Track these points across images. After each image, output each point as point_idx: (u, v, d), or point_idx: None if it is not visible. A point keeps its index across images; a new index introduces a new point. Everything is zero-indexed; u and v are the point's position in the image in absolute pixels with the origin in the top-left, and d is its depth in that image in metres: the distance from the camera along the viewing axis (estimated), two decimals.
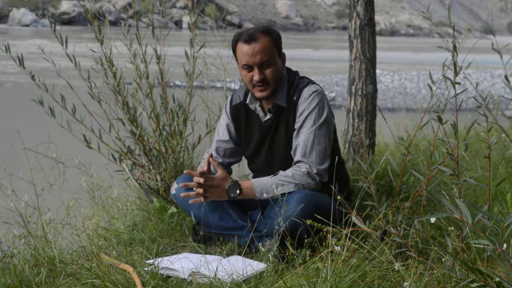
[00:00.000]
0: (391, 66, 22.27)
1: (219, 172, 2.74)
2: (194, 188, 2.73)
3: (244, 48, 2.78)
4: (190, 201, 2.74)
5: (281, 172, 2.76)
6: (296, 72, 2.96)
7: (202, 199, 2.72)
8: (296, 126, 2.84)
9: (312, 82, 2.90)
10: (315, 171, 2.75)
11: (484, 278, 1.85)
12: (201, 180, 2.69)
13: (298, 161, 2.79)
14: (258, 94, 2.83)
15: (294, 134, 2.84)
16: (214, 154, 3.04)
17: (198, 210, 2.84)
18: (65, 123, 3.46)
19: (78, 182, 4.21)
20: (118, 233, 3.07)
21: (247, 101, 2.95)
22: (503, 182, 3.32)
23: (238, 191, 2.73)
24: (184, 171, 2.72)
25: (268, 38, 2.78)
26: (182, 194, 2.75)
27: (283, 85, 2.87)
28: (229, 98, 3.07)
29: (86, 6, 3.52)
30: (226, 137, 3.03)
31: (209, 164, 2.78)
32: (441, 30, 2.77)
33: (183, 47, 3.59)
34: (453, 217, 1.82)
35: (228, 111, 3.04)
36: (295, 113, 2.85)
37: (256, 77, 2.78)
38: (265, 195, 2.73)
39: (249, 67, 2.79)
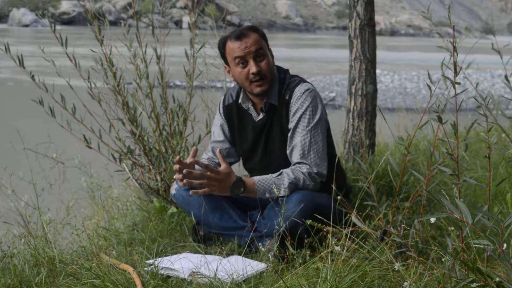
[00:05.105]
0: (391, 66, 22.27)
1: (224, 167, 2.69)
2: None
3: (236, 44, 2.79)
4: (191, 192, 2.67)
5: (284, 172, 2.74)
6: (287, 71, 2.95)
7: (205, 190, 2.65)
8: (291, 126, 2.82)
9: (304, 81, 2.89)
10: (315, 171, 2.75)
11: (484, 278, 1.85)
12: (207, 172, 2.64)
13: (298, 162, 2.78)
14: (257, 90, 2.81)
15: (289, 134, 2.83)
16: (210, 155, 3.02)
17: (198, 210, 2.84)
18: (65, 123, 3.46)
19: (78, 182, 4.21)
20: (118, 233, 3.07)
21: (240, 101, 2.94)
22: (503, 182, 3.32)
23: (242, 189, 2.70)
24: (184, 170, 2.64)
25: (256, 34, 2.82)
26: (185, 181, 2.63)
27: (274, 83, 2.86)
28: (222, 97, 3.06)
29: (86, 6, 3.52)
30: (221, 137, 3.02)
31: (193, 156, 2.75)
32: (441, 30, 2.77)
33: (183, 47, 3.59)
34: (453, 217, 1.82)
35: (221, 111, 3.02)
36: (288, 112, 2.83)
37: (253, 69, 2.77)
38: (267, 195, 2.72)
39: (243, 61, 2.79)
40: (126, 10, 52.70)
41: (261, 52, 2.79)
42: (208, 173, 2.65)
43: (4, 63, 18.79)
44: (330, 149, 2.91)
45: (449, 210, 1.81)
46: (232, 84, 3.58)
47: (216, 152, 3.01)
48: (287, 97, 2.84)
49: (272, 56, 2.89)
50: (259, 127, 2.91)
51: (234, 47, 2.79)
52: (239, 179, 2.69)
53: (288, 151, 2.83)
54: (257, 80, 2.79)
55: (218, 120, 3.03)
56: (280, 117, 2.86)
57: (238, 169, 3.65)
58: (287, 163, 2.83)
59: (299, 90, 2.82)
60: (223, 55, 2.89)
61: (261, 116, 2.90)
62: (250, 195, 2.73)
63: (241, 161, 3.14)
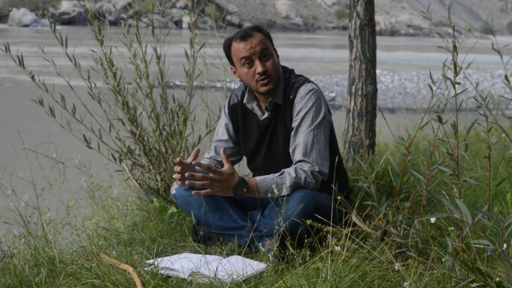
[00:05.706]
0: (391, 66, 22.28)
1: (227, 167, 2.69)
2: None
3: (241, 45, 2.81)
4: (193, 192, 2.66)
5: (285, 171, 2.74)
6: (292, 70, 2.96)
7: (207, 191, 2.65)
8: (294, 125, 2.83)
9: (308, 81, 2.90)
10: (317, 169, 2.75)
11: (484, 278, 1.85)
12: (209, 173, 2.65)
13: (299, 161, 2.79)
14: (263, 89, 2.82)
15: (292, 133, 2.84)
16: (213, 154, 3.04)
17: (198, 210, 2.84)
18: (65, 123, 3.46)
19: (78, 182, 4.21)
20: (118, 233, 3.07)
21: (244, 101, 2.95)
22: (503, 182, 3.32)
23: (245, 190, 2.69)
24: (186, 173, 2.64)
25: (261, 34, 2.84)
26: (187, 182, 2.65)
27: (280, 83, 2.88)
28: (228, 98, 3.08)
29: (86, 6, 3.52)
30: (225, 137, 3.03)
31: (195, 157, 2.75)
32: (441, 30, 2.77)
33: (183, 47, 3.59)
34: (453, 217, 1.82)
35: (226, 111, 3.05)
36: (292, 111, 2.85)
37: (259, 68, 2.78)
38: (269, 195, 2.72)
39: (249, 61, 2.80)
40: (126, 10, 52.73)
41: (267, 52, 2.81)
42: (210, 174, 2.65)
43: (4, 63, 18.80)
44: (333, 150, 2.92)
45: (449, 210, 1.81)
46: (233, 85, 3.57)
47: (218, 151, 3.02)
48: (291, 97, 2.85)
49: (277, 55, 2.90)
50: (263, 126, 2.92)
51: (240, 48, 2.81)
52: (241, 179, 2.69)
53: (290, 150, 2.84)
54: (263, 78, 2.80)
55: (223, 120, 3.05)
56: (284, 117, 2.87)
57: (239, 169, 3.66)
58: (290, 163, 2.84)
59: (303, 90, 2.84)
60: (228, 56, 2.90)
61: (266, 115, 2.92)
62: (252, 196, 2.74)
63: (242, 162, 3.15)
